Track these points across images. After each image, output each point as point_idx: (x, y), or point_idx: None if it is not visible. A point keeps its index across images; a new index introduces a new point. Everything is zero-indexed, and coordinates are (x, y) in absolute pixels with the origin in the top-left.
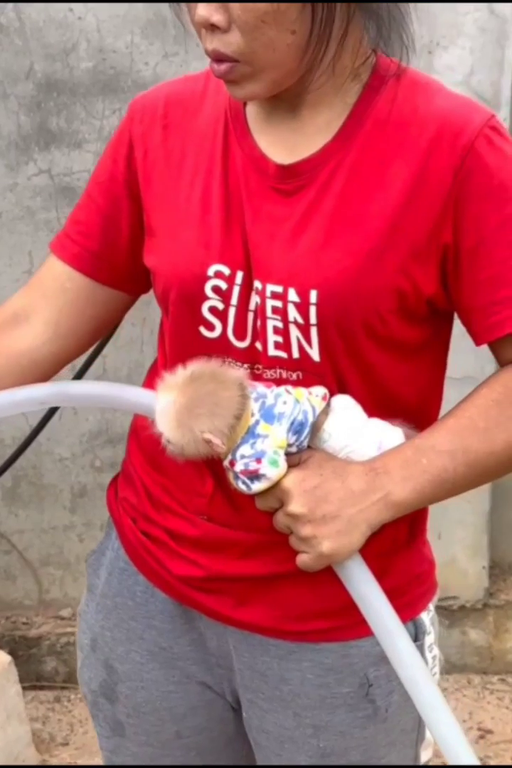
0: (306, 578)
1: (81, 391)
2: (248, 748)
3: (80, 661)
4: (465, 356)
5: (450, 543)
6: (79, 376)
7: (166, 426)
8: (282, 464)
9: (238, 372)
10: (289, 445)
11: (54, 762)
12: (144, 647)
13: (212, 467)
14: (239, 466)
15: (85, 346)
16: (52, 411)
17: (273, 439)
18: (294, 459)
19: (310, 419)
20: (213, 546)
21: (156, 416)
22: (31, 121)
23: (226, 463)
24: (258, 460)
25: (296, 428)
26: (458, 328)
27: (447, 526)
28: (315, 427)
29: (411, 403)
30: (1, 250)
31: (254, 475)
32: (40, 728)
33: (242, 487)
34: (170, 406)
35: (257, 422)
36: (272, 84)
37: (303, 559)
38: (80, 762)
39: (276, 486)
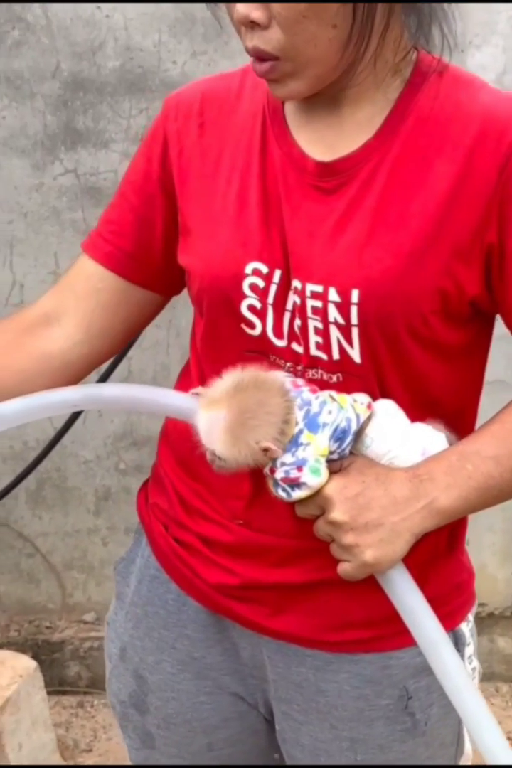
0: (344, 586)
1: (115, 394)
2: (280, 761)
3: (108, 671)
4: (496, 360)
5: (479, 549)
6: (103, 379)
7: (219, 443)
8: (324, 473)
9: (278, 375)
10: (331, 453)
11: None
12: (175, 657)
13: (250, 471)
14: (279, 474)
15: (117, 347)
16: (77, 413)
17: (316, 448)
18: (336, 465)
19: (353, 427)
20: (248, 552)
21: (202, 434)
22: (57, 120)
23: (266, 470)
24: (300, 469)
25: (338, 435)
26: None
27: (476, 532)
28: (359, 431)
29: (449, 407)
30: (26, 250)
31: (295, 483)
32: (64, 734)
33: (282, 494)
34: (220, 423)
35: (301, 431)
36: (314, 80)
37: (344, 568)
38: None
39: (317, 493)
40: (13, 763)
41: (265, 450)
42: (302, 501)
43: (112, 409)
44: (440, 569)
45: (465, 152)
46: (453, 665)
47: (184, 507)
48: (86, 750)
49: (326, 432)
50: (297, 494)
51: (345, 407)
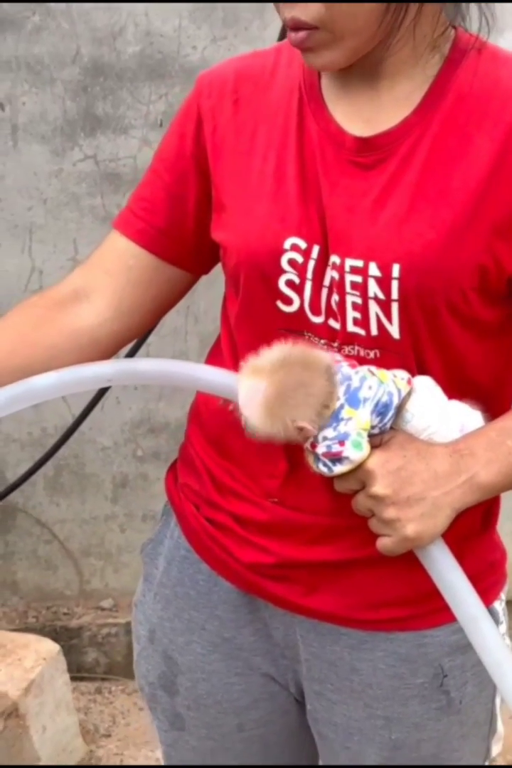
0: (379, 565)
1: (150, 369)
2: (311, 742)
3: (137, 652)
4: None
5: (501, 535)
6: None
7: (255, 414)
8: (366, 447)
9: (326, 355)
10: (373, 427)
11: (101, 753)
12: (206, 638)
13: (286, 448)
14: (321, 449)
15: (146, 326)
16: (96, 399)
17: (357, 422)
18: (377, 440)
19: (395, 401)
20: (283, 530)
21: (240, 401)
22: (76, 106)
23: (307, 445)
24: (342, 443)
25: (380, 410)
26: None
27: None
28: (399, 408)
29: (484, 386)
30: (46, 236)
31: (337, 458)
32: (84, 719)
33: (323, 469)
34: (259, 394)
35: (342, 406)
36: (351, 51)
37: (384, 543)
38: (126, 754)
39: (358, 467)
40: (37, 745)
41: (300, 429)
42: (342, 476)
43: (148, 383)
44: (475, 547)
45: (505, 129)
46: (494, 640)
47: (215, 486)
48: (105, 735)
49: (368, 406)
50: (339, 469)
51: (386, 382)
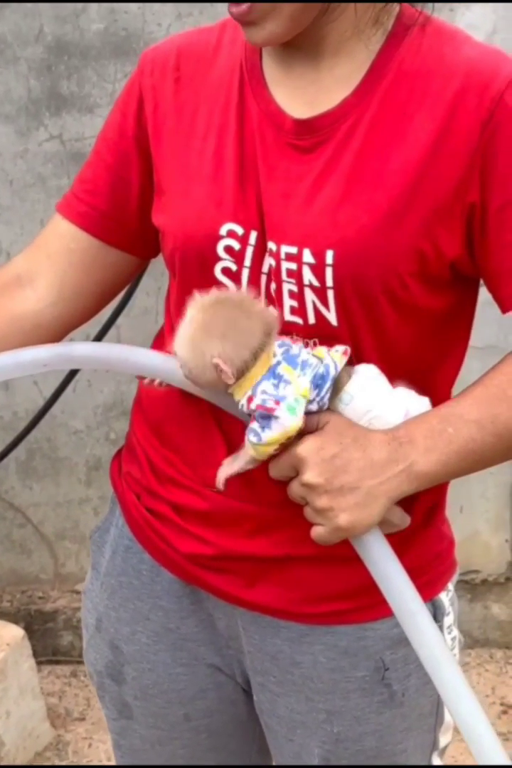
0: (319, 560)
1: (86, 353)
2: (260, 731)
3: (85, 640)
4: (489, 325)
5: (473, 516)
6: None
7: (180, 344)
8: (300, 414)
9: (269, 309)
10: (310, 401)
11: (69, 737)
12: (150, 628)
13: (225, 435)
14: (256, 401)
15: (91, 310)
16: (66, 382)
17: (296, 387)
18: (313, 421)
19: (332, 373)
20: (222, 521)
21: (175, 344)
22: (41, 85)
23: (243, 399)
24: (277, 402)
25: (317, 381)
26: (481, 295)
27: (469, 499)
28: (337, 387)
29: (425, 374)
30: (12, 218)
31: (269, 414)
32: (57, 703)
33: (252, 439)
34: (188, 324)
35: (278, 363)
36: (291, 22)
37: (318, 532)
38: (95, 737)
39: (291, 453)
40: (0, 731)
41: (216, 367)
42: (275, 459)
43: (84, 367)
44: (419, 538)
45: (446, 107)
46: (430, 633)
47: (155, 475)
48: (79, 718)
49: (307, 374)
50: (268, 435)
51: (323, 357)
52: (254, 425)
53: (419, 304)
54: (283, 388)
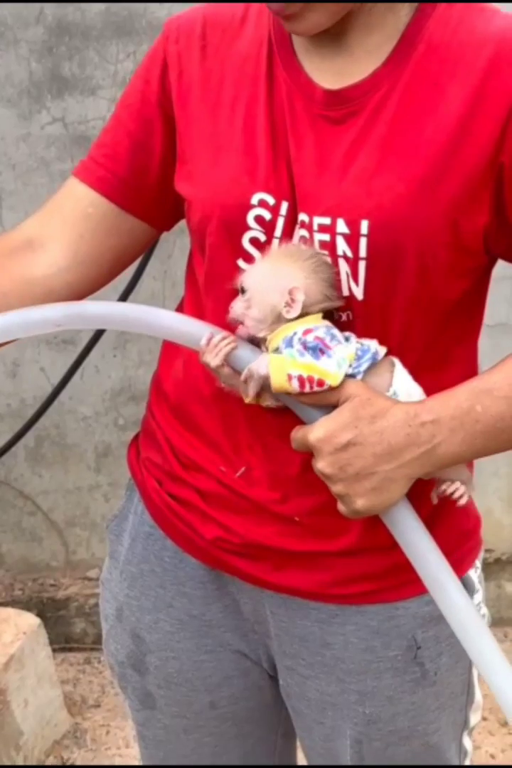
0: (349, 554)
1: (100, 312)
2: (286, 715)
3: (105, 631)
4: (499, 304)
5: (485, 495)
6: (99, 333)
7: (260, 264)
8: (343, 373)
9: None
10: (350, 366)
11: (86, 725)
12: (174, 616)
13: (248, 418)
14: (316, 333)
15: (103, 278)
16: (73, 368)
17: (345, 349)
18: (334, 395)
19: (372, 349)
20: (249, 509)
21: (253, 266)
22: (42, 67)
23: (298, 331)
24: (331, 346)
25: (359, 353)
26: (492, 273)
27: (481, 477)
28: (380, 380)
29: (444, 358)
30: (15, 202)
31: (323, 349)
32: (71, 690)
33: (291, 352)
34: (277, 251)
35: (331, 326)
36: (333, 10)
37: (341, 510)
38: (113, 724)
39: (306, 436)
40: (19, 720)
41: (290, 294)
42: (298, 437)
43: (96, 327)
44: (447, 516)
45: (479, 76)
46: (459, 600)
47: (178, 460)
48: (94, 705)
49: (352, 343)
50: (310, 359)
51: (362, 341)
52: (298, 348)
53: (444, 283)
54: (335, 343)
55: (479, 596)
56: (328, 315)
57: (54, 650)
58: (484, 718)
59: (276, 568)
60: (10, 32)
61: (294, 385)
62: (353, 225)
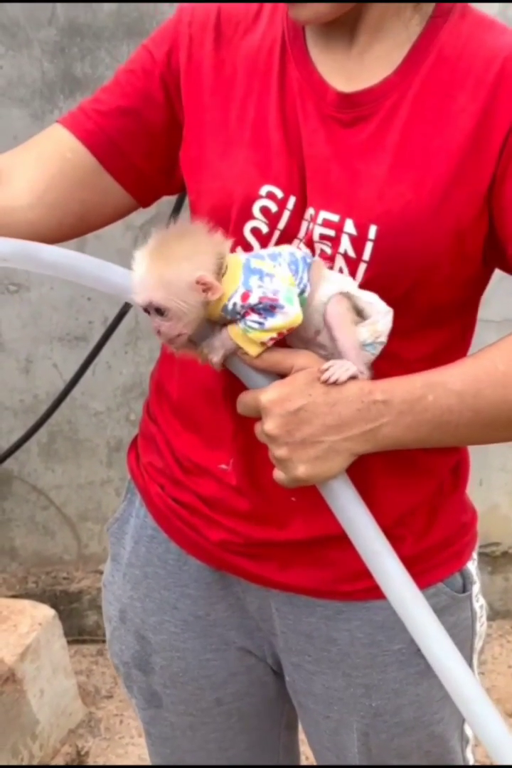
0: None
1: (53, 259)
2: (289, 708)
3: (109, 633)
4: (505, 299)
5: (492, 489)
6: (110, 330)
7: (153, 290)
8: (297, 304)
9: (201, 224)
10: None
11: (100, 714)
12: (178, 617)
13: (232, 408)
14: (256, 294)
15: (64, 231)
16: (86, 365)
17: (281, 277)
18: (287, 363)
19: (298, 256)
20: (252, 511)
21: (135, 290)
22: (55, 67)
23: (233, 299)
24: (274, 295)
25: (291, 268)
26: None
27: (488, 472)
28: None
29: (434, 359)
30: None
31: (274, 305)
32: (85, 681)
33: (253, 326)
34: (151, 274)
35: (248, 260)
36: (337, 2)
37: (278, 476)
38: (126, 714)
39: (256, 397)
40: (35, 709)
41: (203, 283)
42: (244, 400)
43: (44, 272)
44: (447, 508)
45: (488, 90)
46: (396, 571)
47: (178, 464)
48: (107, 696)
49: (281, 262)
50: (272, 322)
51: (283, 248)
52: (253, 316)
53: (442, 291)
54: (270, 281)
55: (477, 587)
56: None
57: (67, 642)
58: None
59: (282, 568)
60: (22, 33)
61: (269, 341)
62: (361, 228)
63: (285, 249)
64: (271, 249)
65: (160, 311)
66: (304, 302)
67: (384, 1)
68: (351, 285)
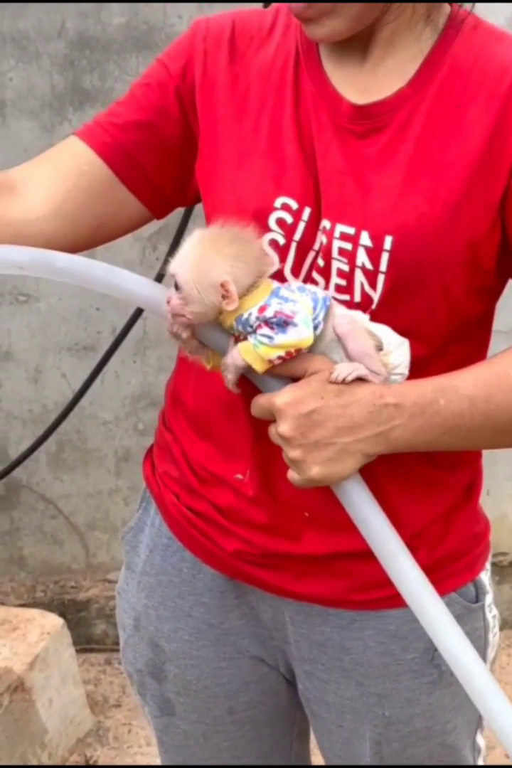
0: (368, 555)
1: (68, 266)
2: (301, 716)
3: (123, 640)
4: None
5: (500, 499)
6: (119, 339)
7: (184, 262)
8: (311, 329)
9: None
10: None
11: (109, 723)
12: (192, 625)
13: (250, 418)
14: (273, 308)
15: (80, 243)
16: (94, 374)
17: (303, 304)
18: (301, 366)
19: (320, 296)
20: (268, 523)
21: (175, 258)
22: (64, 80)
23: (253, 311)
24: (292, 314)
25: (314, 303)
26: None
27: (496, 482)
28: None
29: (454, 366)
30: None
31: (287, 321)
32: (93, 690)
33: (263, 340)
34: (196, 245)
35: (279, 288)
36: (353, 20)
37: (292, 477)
38: (134, 723)
39: (271, 400)
40: (44, 718)
41: (225, 290)
42: (258, 404)
43: (61, 280)
44: (460, 520)
45: (501, 101)
46: (411, 573)
47: (194, 473)
48: (116, 705)
49: (307, 295)
50: (283, 339)
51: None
52: (264, 330)
53: (461, 305)
54: (292, 305)
55: (490, 597)
56: None
57: (76, 651)
58: None
59: (297, 578)
60: (32, 46)
61: (277, 362)
62: (377, 240)
63: (311, 287)
64: (300, 284)
65: (178, 286)
66: (315, 338)
67: (397, 1)
68: (362, 318)
